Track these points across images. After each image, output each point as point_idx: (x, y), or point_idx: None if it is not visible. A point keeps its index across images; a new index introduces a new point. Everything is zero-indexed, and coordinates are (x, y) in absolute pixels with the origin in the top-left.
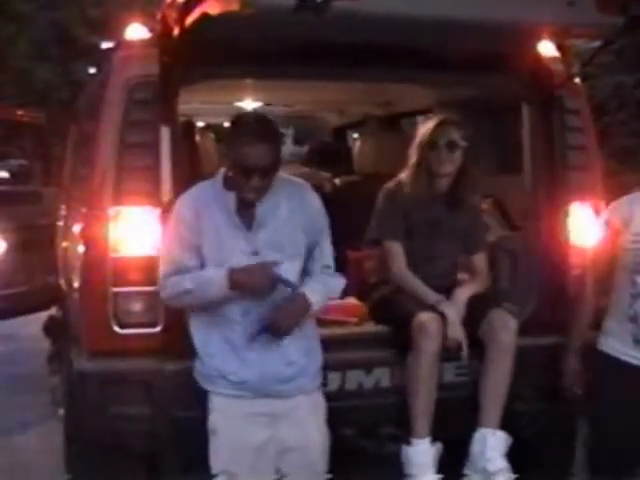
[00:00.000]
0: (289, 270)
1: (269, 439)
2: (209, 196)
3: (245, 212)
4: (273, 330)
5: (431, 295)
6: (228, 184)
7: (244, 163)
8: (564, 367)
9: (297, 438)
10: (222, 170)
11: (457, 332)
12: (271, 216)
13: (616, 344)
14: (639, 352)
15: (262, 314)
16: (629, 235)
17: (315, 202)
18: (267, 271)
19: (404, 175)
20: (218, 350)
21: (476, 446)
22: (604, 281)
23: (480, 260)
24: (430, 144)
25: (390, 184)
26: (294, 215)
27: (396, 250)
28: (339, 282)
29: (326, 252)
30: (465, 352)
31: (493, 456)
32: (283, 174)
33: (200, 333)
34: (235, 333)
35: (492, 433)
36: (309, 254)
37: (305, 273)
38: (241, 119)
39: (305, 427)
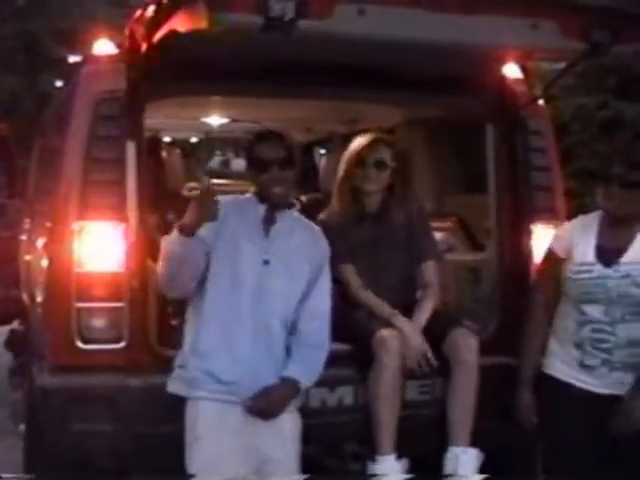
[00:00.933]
0: (291, 294)
1: (252, 449)
2: (238, 206)
3: (267, 224)
4: (262, 416)
5: (386, 310)
6: (260, 198)
7: (262, 156)
8: (517, 401)
9: (278, 452)
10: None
11: (417, 342)
12: (286, 236)
13: (562, 366)
14: (584, 375)
15: (253, 397)
16: (572, 265)
17: (324, 244)
18: (206, 196)
19: (336, 195)
20: (212, 348)
21: (449, 465)
22: (551, 308)
23: (429, 269)
24: (358, 161)
25: (322, 214)
26: (305, 246)
27: (349, 272)
28: (321, 357)
29: (321, 298)
30: (432, 360)
31: (466, 474)
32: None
33: (194, 330)
34: (230, 331)
35: (463, 451)
36: (307, 290)
37: (294, 323)
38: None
39: (287, 444)
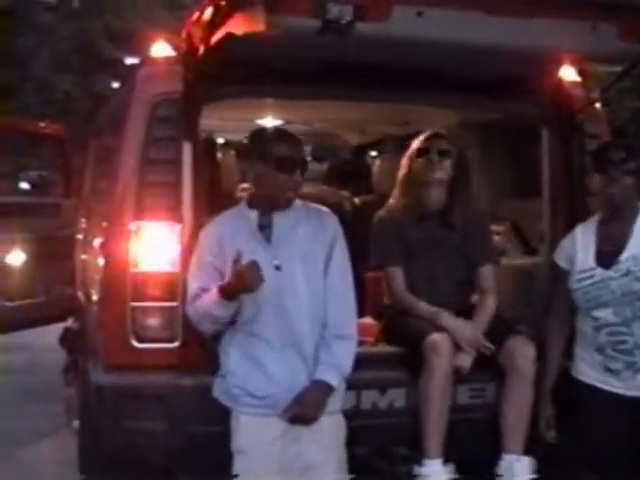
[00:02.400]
0: (314, 290)
1: (294, 457)
2: (230, 223)
3: (265, 229)
4: (299, 423)
5: (430, 310)
6: (253, 203)
7: (287, 156)
8: (540, 415)
9: (319, 456)
10: (244, 195)
11: (467, 332)
12: (289, 235)
13: (589, 370)
14: (611, 379)
15: (288, 407)
16: (574, 274)
17: (333, 224)
18: (252, 267)
19: (394, 192)
20: (239, 367)
21: (503, 473)
22: (566, 319)
23: (486, 274)
24: (421, 151)
25: (381, 211)
26: (313, 234)
27: (395, 275)
28: (349, 347)
29: (337, 280)
30: (488, 343)
31: None
32: (299, 201)
33: (223, 350)
34: (257, 349)
35: (517, 459)
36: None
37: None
38: (266, 130)
39: (327, 447)
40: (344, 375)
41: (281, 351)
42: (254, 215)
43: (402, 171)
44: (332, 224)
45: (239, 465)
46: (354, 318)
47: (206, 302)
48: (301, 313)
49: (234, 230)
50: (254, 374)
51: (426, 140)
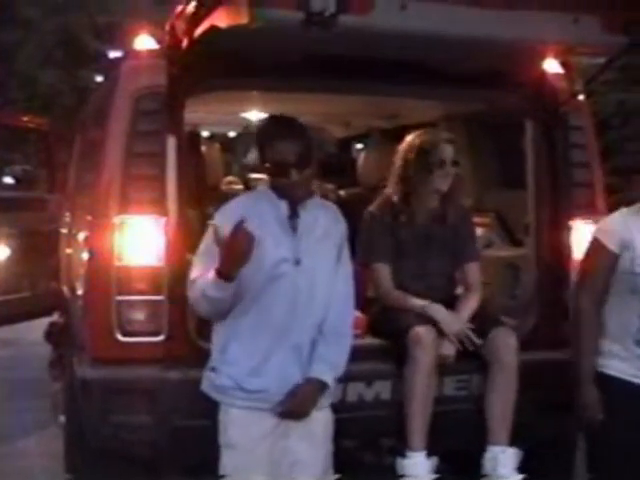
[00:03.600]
0: (327, 289)
1: (282, 452)
2: (252, 207)
3: (292, 220)
4: (292, 417)
5: (417, 303)
6: (279, 193)
7: (278, 158)
8: (584, 400)
9: (307, 452)
10: (264, 184)
11: (454, 323)
12: (312, 227)
13: (621, 365)
14: None
15: (281, 401)
16: (637, 258)
17: (343, 224)
18: (242, 236)
19: (390, 190)
20: (236, 358)
21: (488, 464)
22: (601, 305)
23: (472, 270)
24: (439, 163)
25: (373, 207)
26: (329, 230)
27: (383, 272)
28: (345, 345)
29: (341, 280)
30: (474, 338)
31: (506, 473)
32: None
33: (220, 341)
34: (260, 343)
35: (502, 450)
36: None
37: None
38: (268, 122)
39: (316, 443)
40: (338, 374)
41: (282, 346)
42: (284, 205)
43: (398, 169)
44: (343, 224)
45: (227, 460)
46: (352, 318)
47: (204, 281)
48: (309, 309)
49: (259, 214)
50: (247, 367)
51: (441, 147)
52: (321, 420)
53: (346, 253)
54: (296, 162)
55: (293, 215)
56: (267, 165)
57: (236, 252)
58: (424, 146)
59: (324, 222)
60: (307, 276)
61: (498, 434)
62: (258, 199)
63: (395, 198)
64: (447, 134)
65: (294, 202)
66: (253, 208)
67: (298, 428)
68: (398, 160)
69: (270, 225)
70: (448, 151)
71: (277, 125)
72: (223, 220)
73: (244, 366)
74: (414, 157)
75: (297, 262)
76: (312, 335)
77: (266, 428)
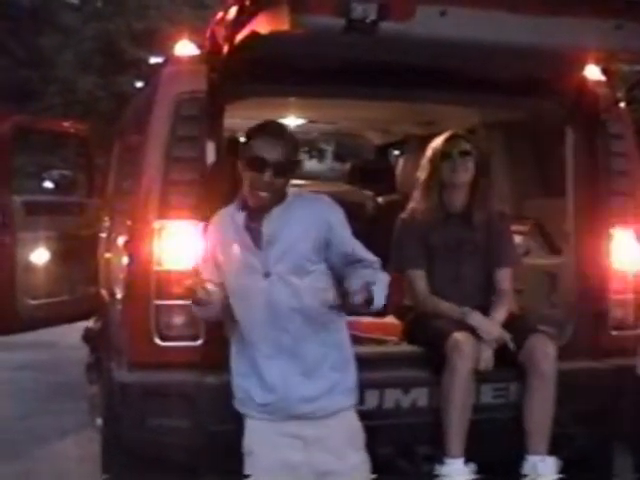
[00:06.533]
0: (308, 288)
1: (303, 462)
2: (226, 222)
3: (254, 230)
4: (367, 305)
5: (456, 310)
6: (243, 204)
7: (258, 155)
8: None
9: (333, 463)
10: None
11: (494, 330)
12: (280, 233)
13: None
14: None
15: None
16: None
17: (325, 208)
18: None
19: (415, 195)
20: (244, 371)
21: (527, 473)
22: None
23: (503, 276)
24: (443, 155)
25: (404, 214)
26: (306, 227)
27: (418, 278)
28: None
29: (354, 248)
30: (511, 345)
31: None
32: (297, 190)
33: (232, 353)
34: (253, 356)
35: (541, 459)
36: (338, 259)
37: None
38: (259, 123)
39: (341, 452)
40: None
41: (276, 358)
42: (241, 216)
43: (423, 173)
44: (334, 213)
45: (248, 466)
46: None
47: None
48: (295, 316)
49: (228, 233)
50: (252, 381)
51: (446, 142)
52: (344, 428)
53: (342, 230)
54: (274, 163)
55: (254, 226)
56: (244, 160)
57: (193, 297)
58: (442, 149)
59: (300, 219)
60: (281, 285)
61: (537, 443)
62: (230, 211)
63: (424, 204)
64: (460, 131)
65: (255, 212)
66: (230, 219)
67: (315, 440)
68: (422, 167)
69: (240, 237)
70: (453, 142)
71: (266, 126)
72: (208, 234)
73: (251, 379)
74: (434, 161)
75: (267, 275)
76: (313, 339)
77: (278, 438)
